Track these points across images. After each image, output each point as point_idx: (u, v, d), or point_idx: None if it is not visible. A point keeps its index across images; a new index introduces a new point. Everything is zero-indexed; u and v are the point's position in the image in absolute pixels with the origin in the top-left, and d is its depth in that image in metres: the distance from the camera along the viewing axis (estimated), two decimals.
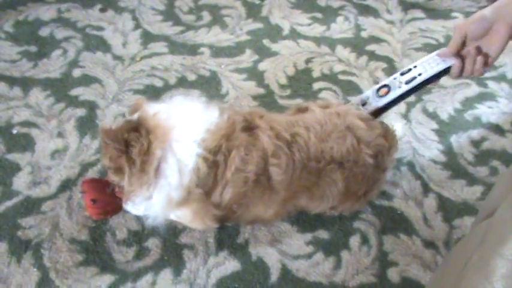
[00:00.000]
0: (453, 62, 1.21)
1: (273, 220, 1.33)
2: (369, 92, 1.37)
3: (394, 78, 1.32)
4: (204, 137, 1.11)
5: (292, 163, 1.16)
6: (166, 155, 1.09)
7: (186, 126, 1.12)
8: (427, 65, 1.27)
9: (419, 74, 1.28)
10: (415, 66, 1.30)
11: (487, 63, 1.16)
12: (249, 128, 1.17)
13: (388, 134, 1.31)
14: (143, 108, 1.14)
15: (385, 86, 1.34)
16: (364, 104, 1.36)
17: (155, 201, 1.15)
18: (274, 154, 1.15)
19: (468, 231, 1.36)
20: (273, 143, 1.15)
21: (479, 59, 1.16)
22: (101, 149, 1.15)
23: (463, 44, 1.17)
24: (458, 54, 1.20)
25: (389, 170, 1.37)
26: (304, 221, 1.37)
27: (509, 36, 1.09)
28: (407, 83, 1.30)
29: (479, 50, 1.16)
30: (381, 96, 1.34)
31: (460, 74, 1.22)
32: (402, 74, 1.32)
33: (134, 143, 1.06)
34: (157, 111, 1.12)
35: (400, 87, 1.31)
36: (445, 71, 1.25)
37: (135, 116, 1.13)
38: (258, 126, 1.18)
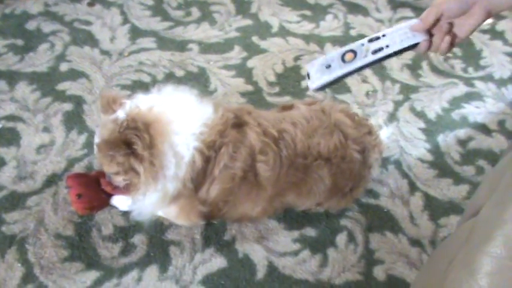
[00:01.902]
0: (423, 38, 1.21)
1: (260, 218, 1.33)
2: (334, 54, 1.34)
3: (362, 44, 1.29)
4: (202, 131, 1.10)
5: (280, 159, 1.16)
6: (166, 148, 1.08)
7: (185, 119, 1.11)
8: (397, 37, 1.25)
9: (387, 46, 1.26)
10: (383, 35, 1.27)
11: (453, 43, 1.17)
12: (238, 124, 1.17)
13: (372, 132, 1.31)
14: (130, 103, 1.12)
15: (351, 51, 1.31)
16: (328, 66, 1.34)
17: (150, 195, 1.14)
18: (261, 151, 1.15)
19: (454, 230, 1.37)
20: (260, 139, 1.15)
21: (447, 38, 1.16)
22: (100, 159, 1.12)
23: (437, 20, 1.17)
24: (429, 30, 1.20)
25: (375, 168, 1.37)
26: (291, 218, 1.37)
27: (482, 21, 1.10)
28: (373, 52, 1.28)
29: (450, 27, 1.16)
30: (346, 62, 1.32)
31: (427, 51, 1.23)
32: (370, 40, 1.28)
33: (135, 140, 1.03)
34: (152, 105, 1.10)
35: (366, 56, 1.29)
36: (413, 46, 1.25)
37: (121, 114, 1.09)
38: (246, 122, 1.18)
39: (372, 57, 1.29)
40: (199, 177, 1.13)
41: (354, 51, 1.29)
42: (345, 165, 1.22)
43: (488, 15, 1.08)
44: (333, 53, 1.33)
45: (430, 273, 0.86)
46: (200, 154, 1.10)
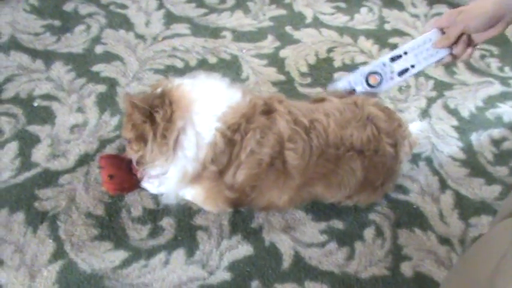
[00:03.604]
0: (446, 53, 1.23)
1: (287, 207, 1.32)
2: (356, 77, 1.32)
3: (384, 65, 1.28)
4: (225, 112, 1.11)
5: (309, 148, 1.16)
6: (186, 126, 1.10)
7: (208, 100, 1.13)
8: (420, 55, 1.24)
9: (412, 66, 1.26)
10: (405, 52, 1.26)
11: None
12: (268, 111, 1.17)
13: (402, 125, 1.30)
14: (166, 82, 1.16)
15: (375, 73, 1.30)
16: (352, 92, 1.33)
17: (171, 174, 1.16)
18: (290, 138, 1.15)
19: (486, 230, 1.35)
20: (289, 127, 1.15)
21: (470, 50, 1.19)
22: (122, 121, 1.15)
23: (460, 35, 1.18)
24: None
25: (404, 162, 1.36)
26: (318, 210, 1.37)
27: (502, 31, 1.12)
28: (400, 74, 1.28)
29: (470, 40, 1.18)
30: (371, 86, 1.31)
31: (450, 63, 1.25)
32: (392, 59, 1.28)
33: (158, 109, 1.08)
34: (181, 83, 1.14)
35: (392, 78, 1.29)
36: (437, 61, 1.25)
37: (159, 90, 1.14)
38: (276, 110, 1.18)
39: (398, 79, 1.30)
40: (223, 159, 1.13)
41: (378, 73, 1.28)
42: (377, 158, 1.21)
43: (508, 25, 1.11)
44: (355, 74, 1.32)
45: (465, 272, 0.84)
46: (222, 135, 1.10)
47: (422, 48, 1.25)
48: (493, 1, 1.08)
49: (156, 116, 1.08)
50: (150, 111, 1.08)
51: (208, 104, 1.12)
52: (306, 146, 1.15)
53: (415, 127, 1.47)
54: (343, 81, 1.35)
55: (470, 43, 1.19)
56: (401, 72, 1.28)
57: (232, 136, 1.11)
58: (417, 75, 1.37)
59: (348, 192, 1.26)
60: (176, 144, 1.10)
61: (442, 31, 1.23)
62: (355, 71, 1.33)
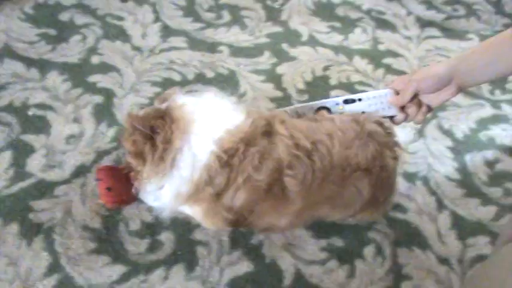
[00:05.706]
0: (396, 113, 1.28)
1: (288, 229, 1.31)
2: (306, 106, 1.32)
3: (337, 104, 1.30)
4: (222, 136, 1.08)
5: (312, 173, 1.12)
6: (183, 147, 1.07)
7: (207, 122, 1.10)
8: (373, 105, 1.27)
9: (362, 113, 1.29)
10: (360, 99, 1.29)
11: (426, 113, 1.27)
12: (270, 132, 1.14)
13: (393, 134, 1.30)
14: (172, 98, 1.14)
15: (325, 108, 1.31)
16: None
17: (165, 192, 1.13)
18: (290, 165, 1.11)
19: (483, 250, 1.36)
20: (290, 153, 1.11)
21: (424, 110, 1.25)
22: (124, 132, 1.12)
23: (414, 96, 1.24)
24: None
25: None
26: (319, 227, 1.36)
27: (453, 96, 1.20)
28: None
29: (421, 102, 1.25)
30: None
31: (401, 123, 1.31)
32: (346, 101, 1.30)
33: (160, 130, 1.05)
34: (185, 103, 1.11)
35: None
36: (387, 116, 1.29)
37: (164, 105, 1.12)
38: (277, 132, 1.14)
39: None
40: (220, 182, 1.10)
41: (328, 109, 1.30)
42: (384, 174, 1.20)
43: (460, 91, 1.19)
44: (305, 104, 1.34)
45: None
46: (217, 159, 1.07)
47: (377, 100, 1.28)
48: (444, 64, 1.16)
49: (157, 138, 1.06)
50: (151, 135, 1.06)
51: (206, 126, 1.10)
52: (307, 171, 1.12)
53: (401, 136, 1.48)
54: (292, 107, 1.35)
55: (427, 109, 1.25)
56: None
57: (230, 160, 1.08)
58: None
59: (352, 212, 1.25)
60: (172, 163, 1.08)
61: (397, 92, 1.27)
62: (307, 103, 1.34)
